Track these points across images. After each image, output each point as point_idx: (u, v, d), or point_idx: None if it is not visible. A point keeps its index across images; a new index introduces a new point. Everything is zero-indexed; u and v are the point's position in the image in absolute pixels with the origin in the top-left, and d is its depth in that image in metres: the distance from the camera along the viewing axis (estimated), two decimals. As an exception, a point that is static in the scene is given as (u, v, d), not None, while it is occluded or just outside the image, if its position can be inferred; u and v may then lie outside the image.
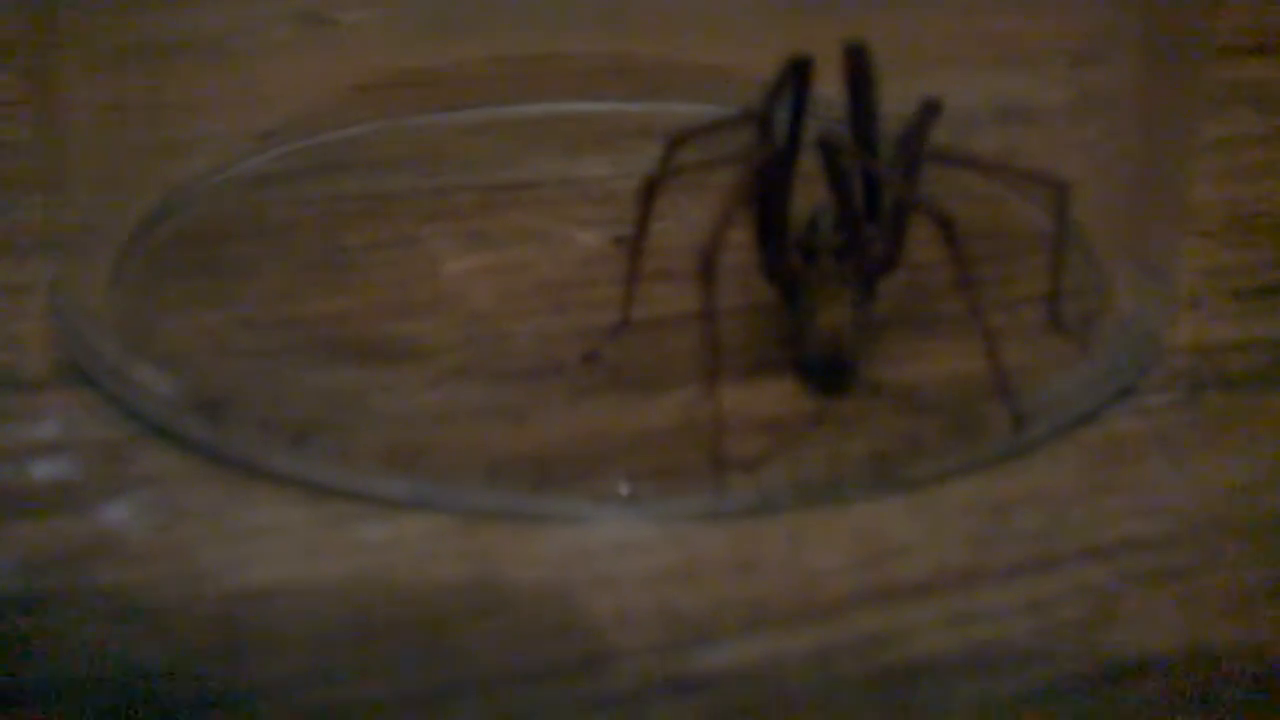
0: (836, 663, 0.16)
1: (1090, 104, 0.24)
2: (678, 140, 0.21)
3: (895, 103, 0.20)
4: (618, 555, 0.17)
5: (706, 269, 0.17)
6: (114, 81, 0.24)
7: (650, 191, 0.19)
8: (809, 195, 0.20)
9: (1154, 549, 0.17)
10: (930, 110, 0.20)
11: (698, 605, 0.16)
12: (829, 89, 0.20)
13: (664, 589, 0.16)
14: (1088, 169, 0.22)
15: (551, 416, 0.19)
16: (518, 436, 0.19)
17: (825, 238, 0.20)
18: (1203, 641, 0.16)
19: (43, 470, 0.18)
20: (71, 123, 0.23)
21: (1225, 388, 0.20)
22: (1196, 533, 0.17)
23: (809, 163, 0.20)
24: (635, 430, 0.19)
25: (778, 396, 0.19)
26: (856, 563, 0.17)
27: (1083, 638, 0.16)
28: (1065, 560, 0.17)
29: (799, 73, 0.20)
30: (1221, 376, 0.21)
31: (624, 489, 0.18)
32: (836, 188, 0.20)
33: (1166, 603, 0.16)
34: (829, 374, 0.19)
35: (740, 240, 0.19)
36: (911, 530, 0.17)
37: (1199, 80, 0.23)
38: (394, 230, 0.24)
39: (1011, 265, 0.22)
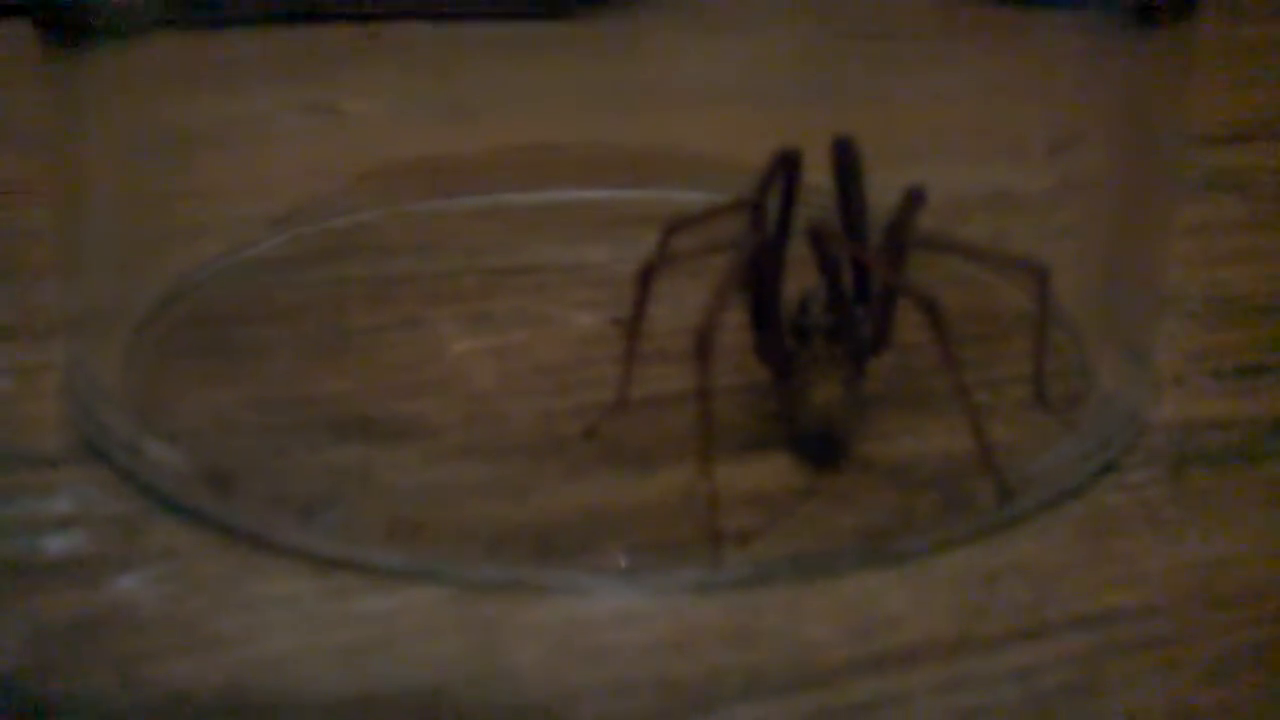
0: (830, 730, 0.16)
1: (1069, 190, 0.25)
2: (673, 227, 0.21)
3: (882, 191, 0.21)
4: (615, 626, 0.17)
5: (702, 348, 0.18)
6: (128, 168, 0.25)
7: (647, 276, 0.20)
8: (801, 279, 0.21)
9: (1138, 619, 0.18)
10: (914, 198, 0.21)
11: (694, 675, 0.17)
12: (818, 177, 0.21)
13: (661, 659, 0.17)
14: (1069, 252, 0.23)
15: (551, 492, 0.20)
16: (518, 511, 0.19)
17: (816, 320, 0.21)
18: (1185, 706, 0.16)
19: (56, 544, 0.19)
20: (88, 208, 0.24)
21: (1207, 464, 0.21)
22: (1179, 603, 0.18)
23: (800, 248, 0.21)
24: (633, 505, 0.19)
25: (771, 472, 0.20)
26: (849, 633, 0.17)
27: (1070, 704, 0.16)
28: (1052, 630, 0.17)
29: (788, 164, 0.21)
30: (1203, 453, 0.21)
31: (622, 562, 0.18)
32: (826, 273, 0.20)
33: (1151, 670, 0.17)
34: (821, 450, 0.20)
35: (734, 322, 0.20)
36: (902, 601, 0.18)
37: (1174, 165, 0.24)
38: (398, 313, 0.24)
39: (996, 346, 0.23)
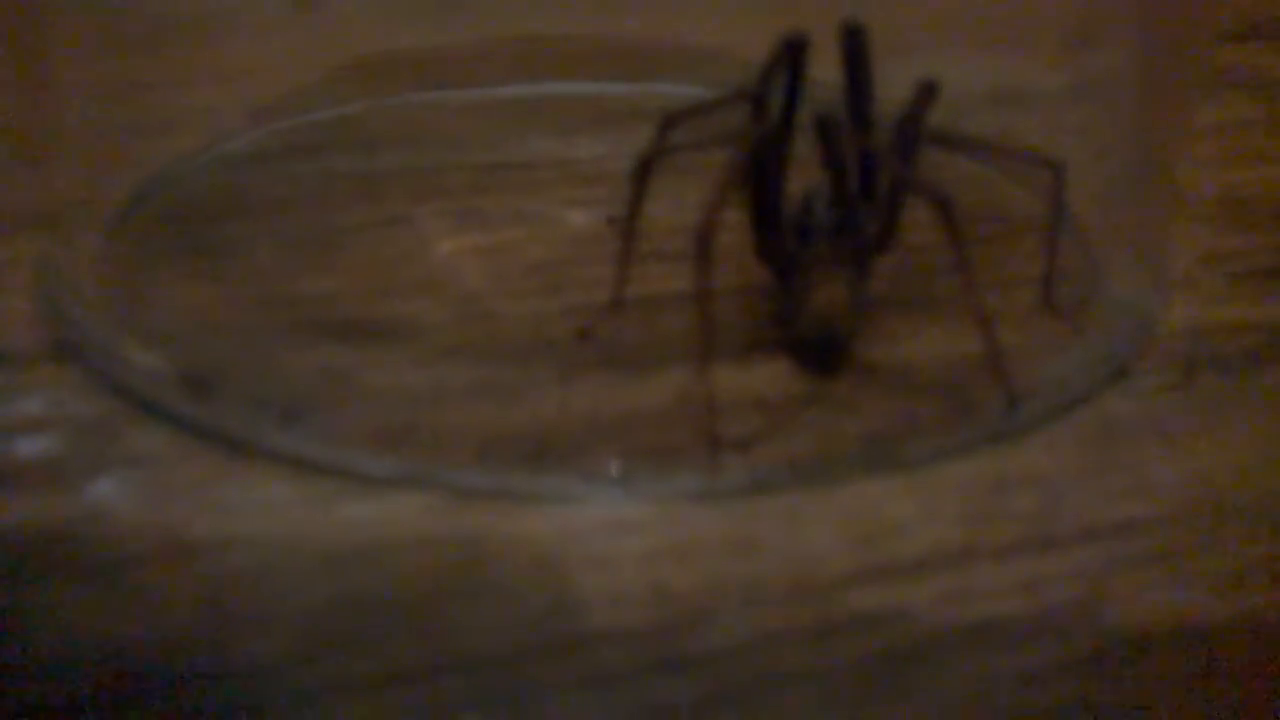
0: (832, 642, 0.15)
1: (1085, 88, 0.24)
2: (671, 120, 0.20)
3: (885, 86, 0.20)
4: (610, 535, 0.17)
5: (702, 249, 0.17)
6: (101, 58, 0.24)
7: (643, 171, 0.19)
8: (804, 177, 0.20)
9: (1148, 530, 0.17)
10: (927, 92, 0.20)
11: (692, 585, 0.16)
12: (821, 72, 0.20)
13: (657, 569, 0.16)
14: (1082, 153, 0.22)
15: (543, 396, 0.19)
16: (509, 416, 0.18)
17: (820, 218, 0.20)
18: (1197, 622, 0.16)
19: (28, 447, 0.18)
20: (58, 100, 0.23)
21: (1219, 370, 0.20)
22: (1190, 515, 0.17)
23: (804, 144, 0.20)
24: (628, 410, 0.19)
25: (772, 376, 0.19)
26: (851, 542, 0.17)
27: (1078, 617, 0.16)
28: (1060, 541, 0.17)
29: (794, 52, 0.20)
30: (1216, 359, 0.21)
31: (616, 468, 0.18)
32: (832, 168, 0.20)
33: (1161, 584, 0.16)
34: (823, 354, 0.19)
35: (735, 220, 0.19)
36: (906, 510, 0.17)
37: (1196, 63, 0.23)
38: (383, 210, 0.24)
39: (1005, 247, 0.22)
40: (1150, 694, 0.15)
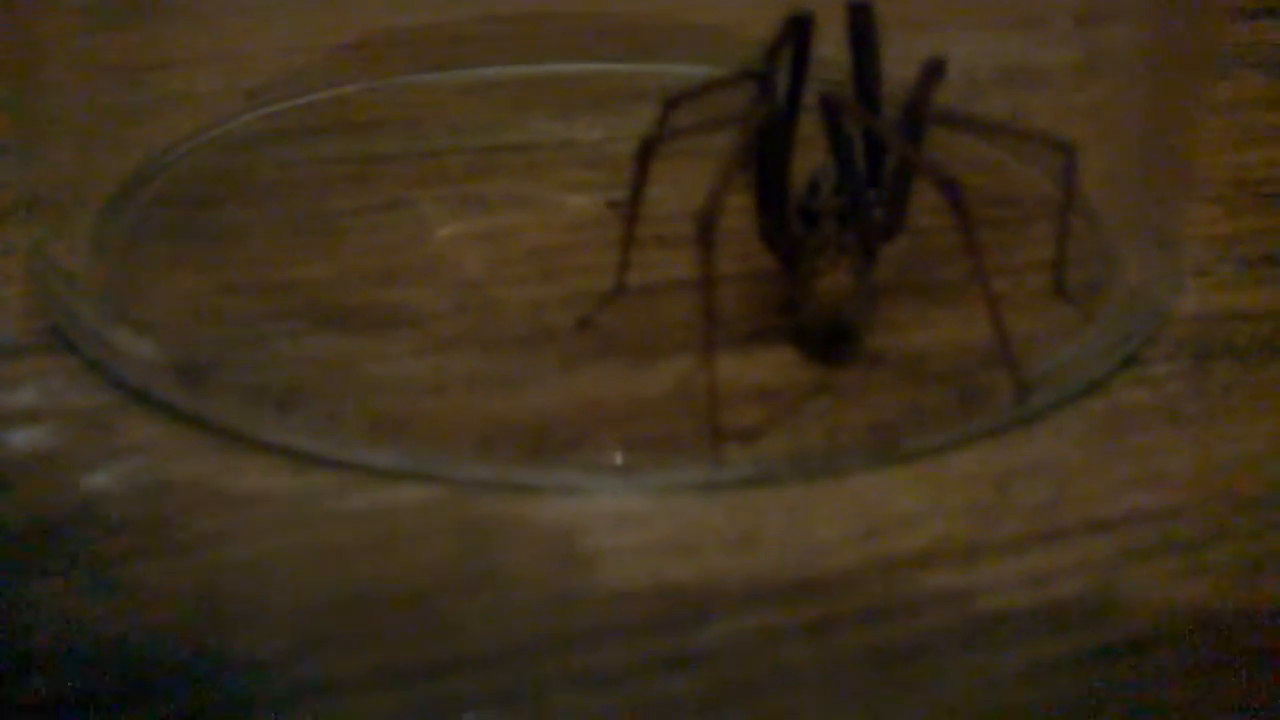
0: (836, 636, 0.15)
1: (1096, 65, 0.24)
2: (674, 101, 0.20)
3: (892, 64, 0.20)
4: (611, 527, 0.17)
5: (705, 234, 0.17)
6: (94, 39, 0.23)
7: (645, 154, 0.19)
8: (810, 160, 0.20)
9: (1159, 521, 0.17)
10: (933, 71, 0.19)
11: (694, 579, 0.16)
12: (826, 51, 0.20)
13: (660, 562, 0.16)
14: (1093, 133, 0.22)
15: (544, 385, 0.19)
16: (509, 405, 0.18)
17: (826, 201, 0.20)
18: (1208, 614, 0.16)
19: (21, 438, 0.18)
20: (50, 82, 0.22)
21: (1231, 357, 0.20)
22: (1202, 505, 0.17)
23: (810, 126, 0.19)
24: (630, 399, 0.18)
25: (776, 365, 0.19)
26: (857, 535, 0.16)
27: (1087, 612, 0.16)
28: (1070, 533, 0.17)
29: (799, 30, 0.19)
30: (1227, 346, 0.20)
31: (619, 459, 0.17)
32: (838, 149, 0.19)
33: (1172, 575, 0.16)
34: (829, 342, 0.19)
35: (739, 205, 0.19)
36: (913, 502, 0.17)
37: (1210, 41, 0.22)
38: (381, 194, 0.23)
39: (1015, 231, 0.22)
40: (1161, 689, 0.15)
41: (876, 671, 0.15)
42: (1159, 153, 0.22)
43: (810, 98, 0.19)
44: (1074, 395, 0.19)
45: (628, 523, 0.17)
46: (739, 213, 0.19)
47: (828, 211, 0.20)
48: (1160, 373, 0.20)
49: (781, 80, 0.19)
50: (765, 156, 0.19)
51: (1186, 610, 0.16)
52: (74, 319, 0.20)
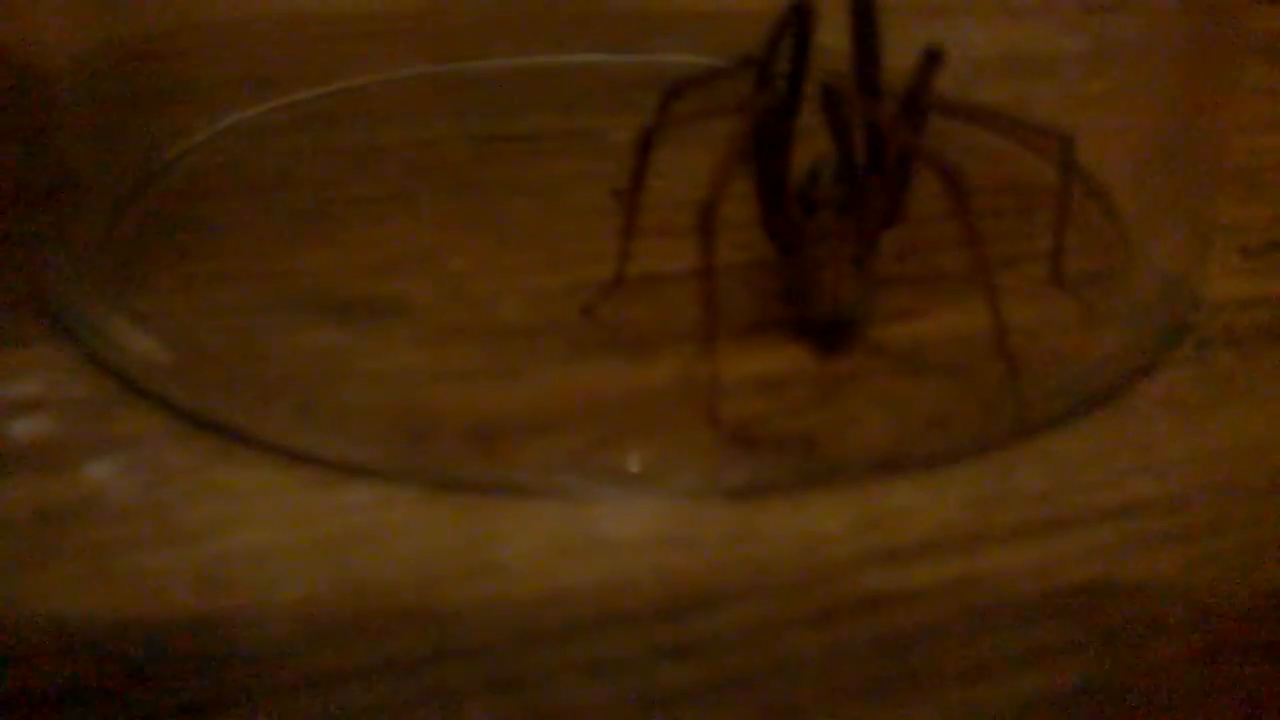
0: (838, 627, 0.15)
1: (1106, 54, 0.23)
2: (675, 91, 0.20)
3: (896, 54, 0.20)
4: (612, 518, 0.17)
5: (706, 223, 0.17)
6: (100, 30, 0.23)
7: (646, 143, 0.19)
8: (812, 149, 0.20)
9: (1162, 510, 0.17)
10: (932, 59, 0.19)
11: (695, 571, 0.16)
12: (828, 39, 0.20)
13: (660, 552, 0.16)
14: (1102, 122, 0.22)
15: (543, 377, 0.19)
16: (509, 397, 0.18)
17: (826, 190, 0.20)
18: (1212, 604, 0.16)
19: (22, 428, 0.18)
20: (56, 71, 0.22)
21: (1234, 346, 0.20)
22: (1205, 494, 0.17)
23: (811, 115, 0.19)
24: (631, 390, 0.18)
25: (778, 355, 0.19)
26: (857, 525, 0.16)
27: (1090, 602, 0.15)
28: (1071, 523, 0.17)
29: (800, 18, 0.19)
30: (1230, 334, 0.20)
31: (619, 451, 0.17)
32: (838, 138, 0.19)
33: (1175, 565, 0.16)
34: (830, 333, 0.19)
35: (742, 193, 0.19)
36: (914, 492, 0.17)
37: (1237, 21, 0.22)
38: (382, 185, 0.23)
39: (1018, 221, 0.22)
40: (1163, 679, 0.15)
41: (878, 662, 0.15)
42: (1169, 141, 0.22)
43: (810, 86, 0.19)
44: (1075, 384, 0.19)
45: (628, 514, 0.17)
46: (741, 201, 0.19)
47: (827, 200, 0.19)
48: (1160, 361, 0.19)
49: (782, 69, 0.19)
50: (766, 144, 0.19)
51: (1188, 599, 0.16)
52: (74, 310, 0.20)
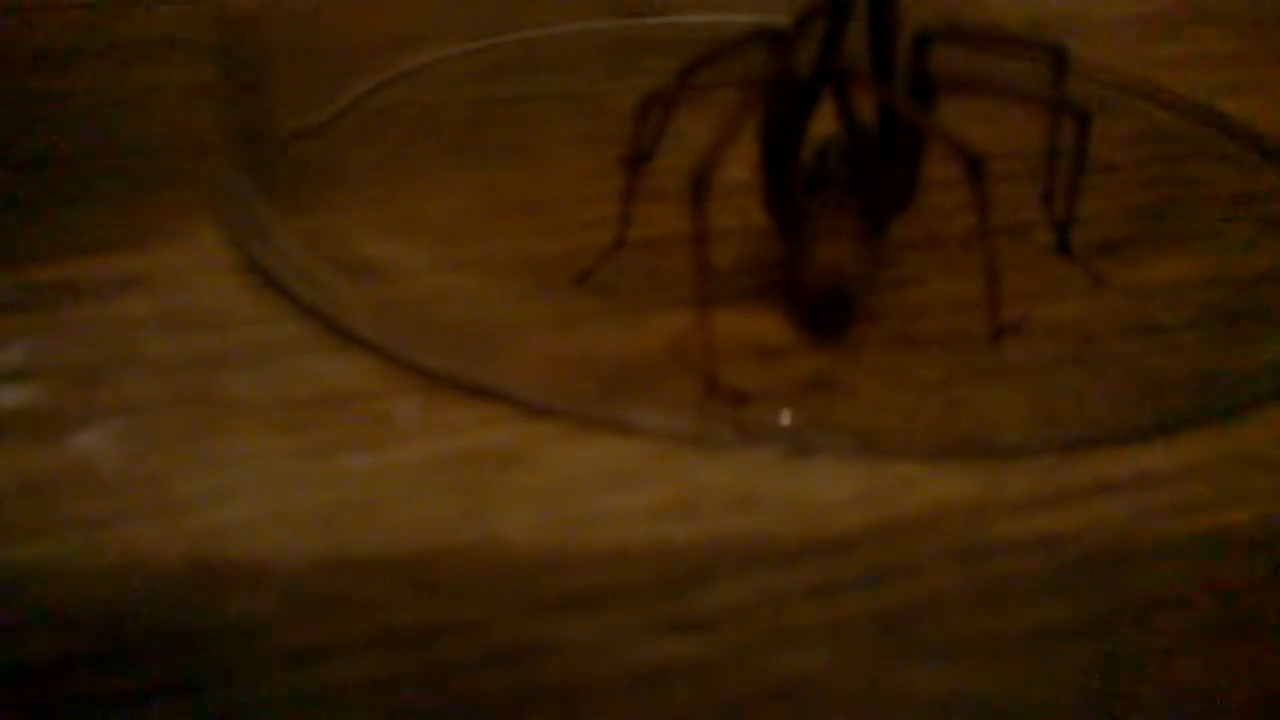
0: (840, 599, 0.15)
1: (1141, 19, 0.23)
2: (690, 70, 0.19)
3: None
4: (610, 488, 0.16)
5: (698, 190, 0.16)
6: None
7: (648, 109, 0.18)
8: (824, 130, 0.19)
9: (1173, 482, 0.17)
10: (919, 44, 0.19)
11: (694, 541, 0.16)
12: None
13: (658, 524, 0.16)
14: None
15: (541, 340, 0.18)
16: (504, 362, 0.18)
17: (835, 172, 0.19)
18: (1225, 580, 0.15)
19: (9, 397, 0.17)
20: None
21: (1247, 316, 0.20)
22: (1217, 466, 0.17)
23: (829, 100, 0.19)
24: (627, 354, 0.18)
25: (776, 321, 0.19)
26: (860, 496, 0.16)
27: (1098, 577, 0.15)
28: (1079, 494, 0.16)
29: (839, 11, 0.18)
30: (1244, 305, 0.20)
31: (615, 418, 0.17)
32: (846, 119, 0.19)
33: (1186, 539, 0.16)
34: (828, 311, 0.18)
35: (744, 158, 0.18)
36: (916, 461, 0.17)
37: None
38: (381, 147, 0.23)
39: (1023, 187, 0.21)
40: (1173, 653, 0.14)
41: (881, 634, 0.15)
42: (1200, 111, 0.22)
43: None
44: (1082, 351, 0.18)
45: (626, 484, 0.16)
46: (742, 166, 0.19)
47: (835, 180, 0.19)
48: (1171, 324, 0.19)
49: (804, 44, 0.19)
50: (776, 121, 0.19)
51: (1203, 577, 0.15)
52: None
